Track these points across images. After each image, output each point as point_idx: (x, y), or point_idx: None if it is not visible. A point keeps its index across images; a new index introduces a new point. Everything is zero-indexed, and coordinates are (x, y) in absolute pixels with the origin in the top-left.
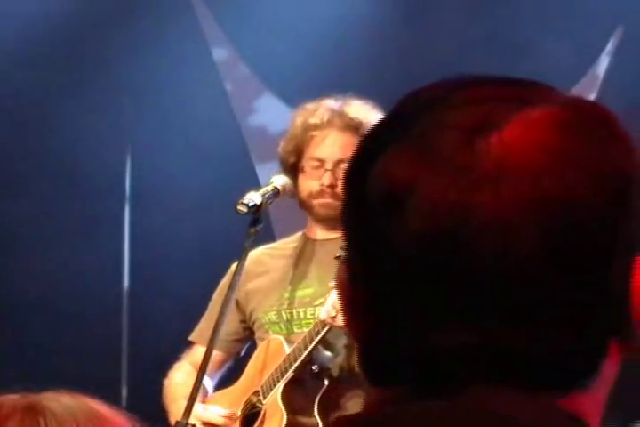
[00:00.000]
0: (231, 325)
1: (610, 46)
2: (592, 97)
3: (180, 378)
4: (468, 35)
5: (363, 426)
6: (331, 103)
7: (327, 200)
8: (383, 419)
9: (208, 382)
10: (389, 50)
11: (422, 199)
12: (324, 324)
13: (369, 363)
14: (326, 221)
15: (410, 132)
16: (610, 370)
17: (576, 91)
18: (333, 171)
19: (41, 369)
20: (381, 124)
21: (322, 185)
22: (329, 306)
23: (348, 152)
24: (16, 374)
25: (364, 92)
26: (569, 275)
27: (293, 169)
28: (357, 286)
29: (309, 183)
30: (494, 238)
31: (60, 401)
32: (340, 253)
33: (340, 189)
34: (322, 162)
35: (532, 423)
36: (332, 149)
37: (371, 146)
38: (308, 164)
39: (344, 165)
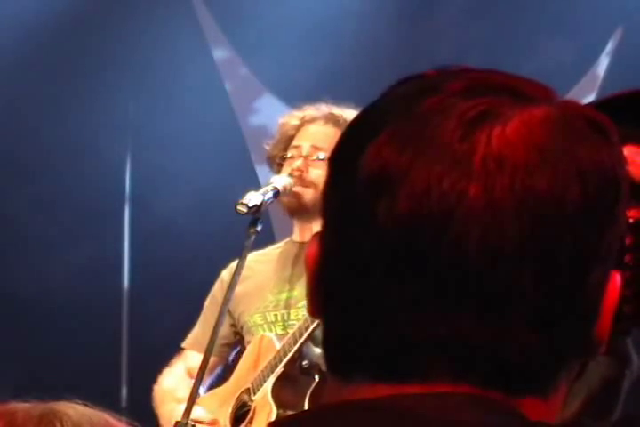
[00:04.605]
0: (222, 329)
1: (610, 46)
2: (592, 97)
3: (169, 383)
4: (468, 35)
5: (297, 424)
6: (316, 106)
7: (295, 189)
8: (318, 415)
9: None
10: (389, 50)
11: (415, 184)
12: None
13: (330, 347)
14: (298, 215)
15: (408, 116)
16: (565, 386)
17: (576, 91)
18: (306, 157)
19: (41, 369)
20: (376, 106)
21: (292, 169)
22: None
23: (327, 142)
24: (16, 374)
25: (363, 93)
26: (544, 277)
27: (279, 165)
28: (329, 266)
29: (284, 170)
30: (480, 230)
31: (74, 408)
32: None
33: (309, 175)
34: (299, 149)
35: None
36: (310, 136)
37: (364, 126)
38: (288, 153)
39: (320, 154)
